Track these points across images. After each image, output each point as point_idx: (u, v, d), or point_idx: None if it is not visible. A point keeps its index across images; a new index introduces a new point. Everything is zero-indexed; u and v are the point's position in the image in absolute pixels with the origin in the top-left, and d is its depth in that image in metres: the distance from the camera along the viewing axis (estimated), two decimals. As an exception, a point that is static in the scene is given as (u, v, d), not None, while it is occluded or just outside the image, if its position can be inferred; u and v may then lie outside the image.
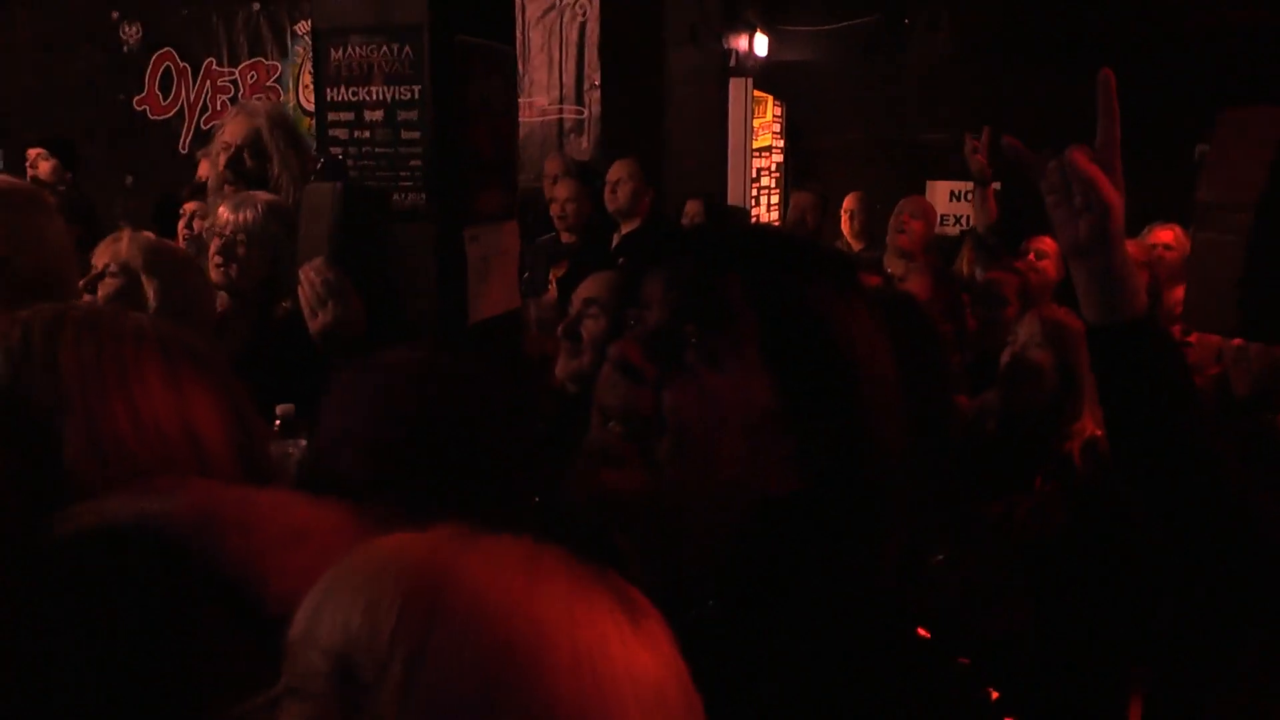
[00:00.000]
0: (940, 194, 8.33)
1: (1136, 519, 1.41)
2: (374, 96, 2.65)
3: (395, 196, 2.65)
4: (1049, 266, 4.45)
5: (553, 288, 4.60)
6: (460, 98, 2.67)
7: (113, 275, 2.51)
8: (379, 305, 2.42)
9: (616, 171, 5.00)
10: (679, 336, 0.94)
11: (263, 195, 2.85)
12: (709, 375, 0.92)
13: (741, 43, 8.11)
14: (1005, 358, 2.78)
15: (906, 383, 0.99)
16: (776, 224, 8.23)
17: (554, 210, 5.19)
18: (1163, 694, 2.28)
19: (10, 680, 0.78)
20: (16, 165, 6.06)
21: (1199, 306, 2.22)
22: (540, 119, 7.10)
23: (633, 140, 6.48)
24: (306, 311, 2.35)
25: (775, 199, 8.91)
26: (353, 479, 1.22)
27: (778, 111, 8.91)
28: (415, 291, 2.65)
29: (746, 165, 7.94)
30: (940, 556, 1.89)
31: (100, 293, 2.49)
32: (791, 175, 9.29)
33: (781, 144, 9.10)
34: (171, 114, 7.91)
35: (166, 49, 7.86)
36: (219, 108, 7.62)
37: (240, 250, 2.71)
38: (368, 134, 2.67)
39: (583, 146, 7.02)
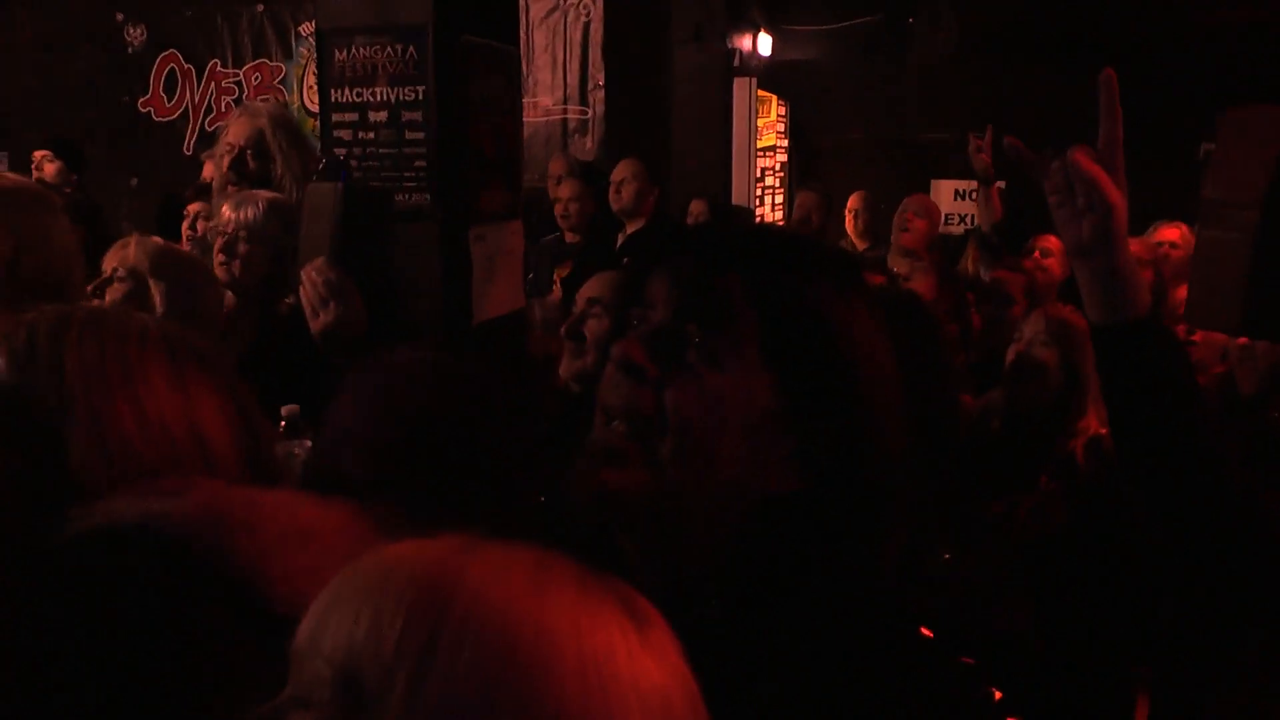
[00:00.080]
0: (945, 193, 8.33)
1: (1137, 517, 1.41)
2: (378, 97, 2.65)
3: (400, 197, 2.65)
4: (1054, 265, 4.44)
5: (557, 288, 4.61)
6: (464, 98, 2.68)
7: (120, 280, 2.53)
8: (380, 305, 2.42)
9: (621, 171, 5.00)
10: (681, 336, 0.94)
11: (264, 193, 2.86)
12: (710, 375, 0.92)
13: (745, 42, 8.11)
14: (1010, 356, 2.78)
15: (908, 382, 0.99)
16: (781, 224, 8.23)
17: (558, 210, 5.19)
18: (1165, 693, 2.28)
19: (12, 680, 0.79)
20: (21, 167, 6.07)
21: (1202, 305, 2.22)
22: (544, 119, 7.11)
23: (637, 140, 6.49)
24: (308, 312, 2.35)
25: (780, 199, 8.91)
26: (354, 479, 1.23)
27: (782, 111, 8.91)
28: (420, 291, 2.65)
29: (751, 165, 7.94)
30: (946, 555, 1.89)
31: (108, 297, 2.51)
32: (795, 175, 9.29)
33: (785, 143, 9.10)
34: (176, 115, 7.93)
35: (171, 50, 7.87)
36: (223, 109, 7.64)
37: (242, 247, 2.72)
38: (372, 135, 2.67)
39: (587, 146, 7.02)
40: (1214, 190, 2.15)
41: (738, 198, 7.69)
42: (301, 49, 7.57)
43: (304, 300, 2.37)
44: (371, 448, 1.26)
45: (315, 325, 2.35)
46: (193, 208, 3.92)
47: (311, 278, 2.35)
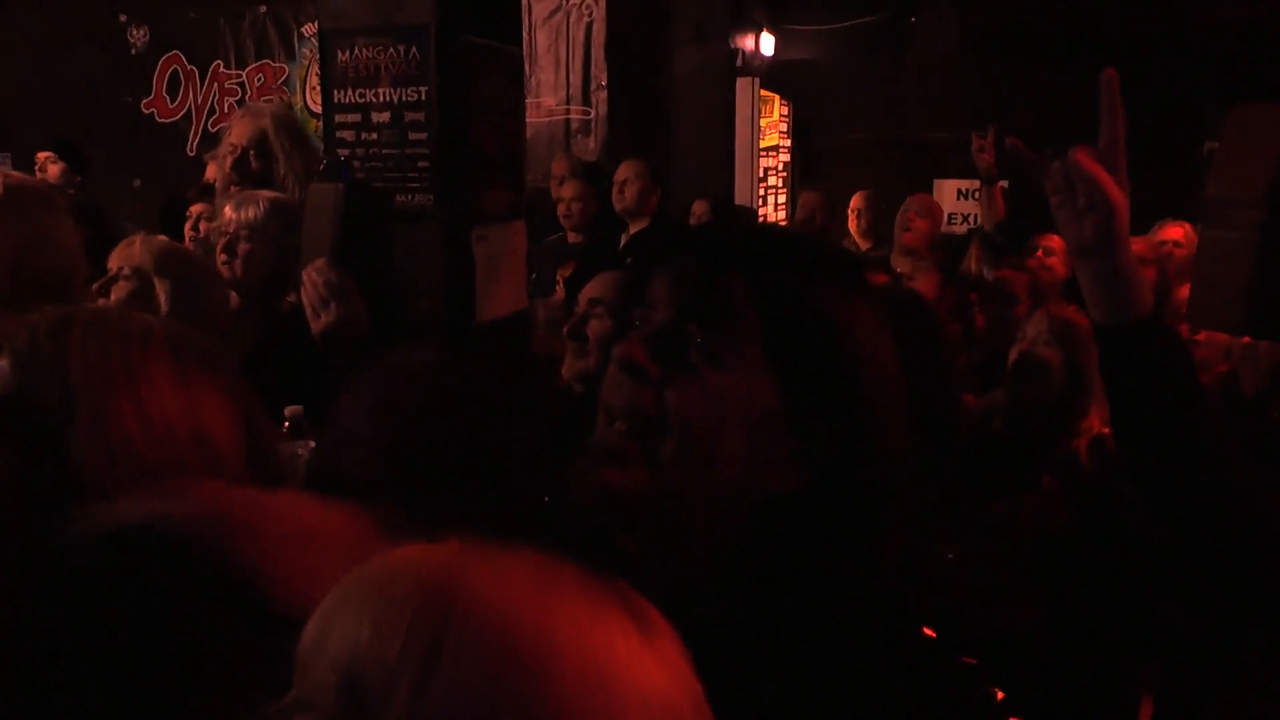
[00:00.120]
0: (947, 192, 8.33)
1: (1139, 517, 1.41)
2: (381, 98, 2.66)
3: (403, 197, 2.65)
4: (1057, 264, 4.43)
5: (560, 288, 4.60)
6: (467, 98, 2.68)
7: (125, 279, 2.53)
8: (382, 305, 2.42)
9: (624, 171, 5.00)
10: (683, 336, 0.94)
11: (266, 193, 2.86)
12: (712, 375, 0.92)
13: (748, 42, 8.11)
14: (1013, 355, 2.78)
15: (910, 382, 0.99)
16: (784, 223, 8.23)
17: (561, 210, 5.19)
18: (1169, 693, 2.28)
19: (12, 680, 0.79)
20: (23, 168, 6.07)
21: (1204, 304, 2.21)
22: (547, 119, 7.12)
23: (639, 140, 6.49)
24: (309, 312, 2.35)
25: (783, 198, 8.91)
26: (356, 480, 1.23)
27: (784, 111, 8.91)
28: (422, 292, 2.65)
29: (753, 165, 7.94)
30: (950, 555, 1.89)
31: (113, 296, 2.51)
32: (798, 174, 9.28)
33: (788, 143, 9.09)
34: (179, 116, 7.94)
35: (174, 52, 7.89)
36: (226, 110, 7.66)
37: (244, 247, 2.73)
38: (375, 135, 2.68)
39: (589, 147, 7.03)
40: (1217, 189, 2.15)
41: (740, 198, 7.69)
42: (304, 50, 7.58)
43: (305, 301, 2.37)
44: (374, 449, 1.26)
45: (316, 326, 2.35)
46: (195, 208, 3.93)
47: (312, 278, 2.35)
